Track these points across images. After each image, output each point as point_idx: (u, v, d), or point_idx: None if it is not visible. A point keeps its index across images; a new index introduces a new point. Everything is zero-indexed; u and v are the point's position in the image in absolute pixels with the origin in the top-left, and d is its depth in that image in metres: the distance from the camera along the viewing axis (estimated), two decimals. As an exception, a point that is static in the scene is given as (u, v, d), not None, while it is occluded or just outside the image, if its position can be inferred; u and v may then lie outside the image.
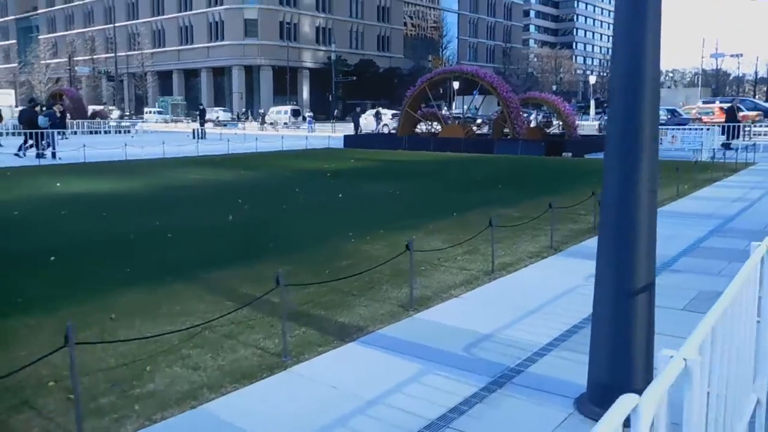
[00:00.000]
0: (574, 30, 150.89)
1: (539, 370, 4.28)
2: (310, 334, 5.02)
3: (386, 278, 6.65)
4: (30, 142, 23.53)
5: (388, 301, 5.91)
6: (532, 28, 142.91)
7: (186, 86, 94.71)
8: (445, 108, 46.36)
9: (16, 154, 22.89)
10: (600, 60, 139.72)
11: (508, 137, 25.39)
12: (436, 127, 28.69)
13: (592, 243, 8.33)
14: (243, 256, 7.54)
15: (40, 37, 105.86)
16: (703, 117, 32.06)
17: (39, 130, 23.49)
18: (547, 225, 9.48)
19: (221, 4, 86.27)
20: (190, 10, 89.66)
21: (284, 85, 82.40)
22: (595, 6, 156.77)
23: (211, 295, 5.99)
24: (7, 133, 34.04)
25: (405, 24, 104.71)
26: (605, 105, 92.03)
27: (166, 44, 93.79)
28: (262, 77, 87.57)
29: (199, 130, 36.84)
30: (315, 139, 32.91)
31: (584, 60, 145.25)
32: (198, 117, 38.75)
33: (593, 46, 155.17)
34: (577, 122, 27.24)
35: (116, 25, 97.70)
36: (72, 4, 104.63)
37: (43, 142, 23.28)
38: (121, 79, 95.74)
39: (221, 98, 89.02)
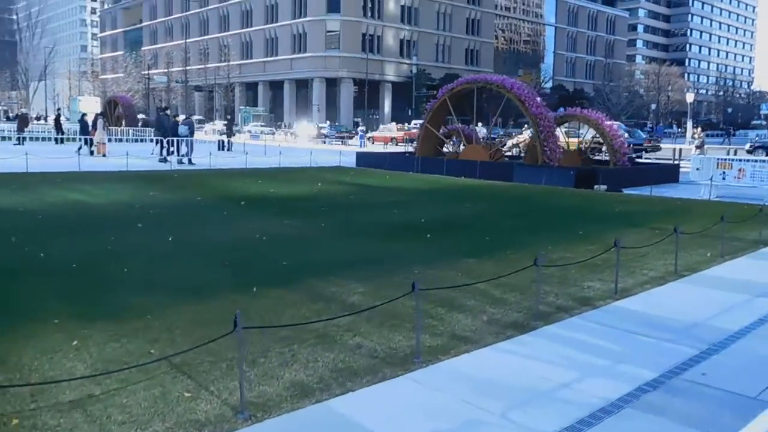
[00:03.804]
0: (687, 46, 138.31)
1: None
2: None
3: None
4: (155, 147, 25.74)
5: None
6: (639, 43, 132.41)
7: (272, 98, 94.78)
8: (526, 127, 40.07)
9: (179, 161, 24.52)
10: (716, 78, 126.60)
11: (540, 163, 20.57)
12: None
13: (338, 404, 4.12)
14: None
15: (143, 48, 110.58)
16: None
17: (178, 138, 25.23)
18: (350, 334, 5.34)
19: (305, 16, 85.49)
20: (276, 22, 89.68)
21: (366, 98, 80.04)
22: (711, 20, 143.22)
23: None
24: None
25: (496, 37, 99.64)
26: (722, 127, 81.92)
27: (253, 56, 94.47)
28: (342, 90, 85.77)
29: (227, 141, 34.41)
30: (328, 155, 29.32)
31: (697, 78, 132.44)
32: (226, 128, 36.43)
33: (708, 63, 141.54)
34: (626, 146, 21.81)
35: (208, 37, 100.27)
36: (172, 17, 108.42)
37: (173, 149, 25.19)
38: (210, 90, 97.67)
39: (303, 110, 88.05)
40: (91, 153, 26.68)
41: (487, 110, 26.31)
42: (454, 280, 7.17)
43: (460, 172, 21.27)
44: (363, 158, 26.37)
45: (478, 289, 6.69)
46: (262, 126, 65.81)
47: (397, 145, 46.09)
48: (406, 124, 58.94)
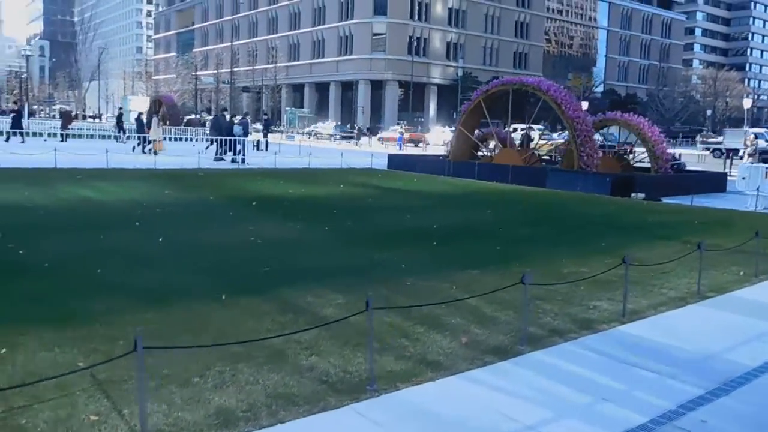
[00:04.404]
0: (748, 50, 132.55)
1: None
2: None
3: None
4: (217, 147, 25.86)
5: None
6: (696, 47, 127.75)
7: (318, 99, 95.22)
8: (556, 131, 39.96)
9: (233, 160, 24.95)
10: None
11: (576, 169, 19.62)
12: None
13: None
14: None
15: (194, 50, 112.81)
16: None
17: (233, 137, 25.84)
18: (307, 352, 4.82)
19: (352, 18, 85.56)
20: (323, 24, 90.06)
21: (411, 101, 79.50)
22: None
23: None
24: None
25: (547, 40, 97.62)
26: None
27: (300, 58, 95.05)
28: (387, 92, 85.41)
29: (262, 141, 34.44)
30: (361, 156, 28.81)
31: (758, 83, 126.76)
32: (262, 128, 36.48)
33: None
34: (669, 152, 20.62)
35: (257, 39, 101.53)
36: (222, 19, 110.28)
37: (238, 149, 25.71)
38: (258, 91, 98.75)
39: (348, 112, 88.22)
40: (145, 151, 27.29)
41: (524, 113, 25.42)
42: (447, 294, 6.57)
43: (491, 177, 20.52)
44: (395, 160, 25.85)
45: (469, 305, 6.06)
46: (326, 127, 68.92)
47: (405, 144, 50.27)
48: (447, 127, 60.68)
